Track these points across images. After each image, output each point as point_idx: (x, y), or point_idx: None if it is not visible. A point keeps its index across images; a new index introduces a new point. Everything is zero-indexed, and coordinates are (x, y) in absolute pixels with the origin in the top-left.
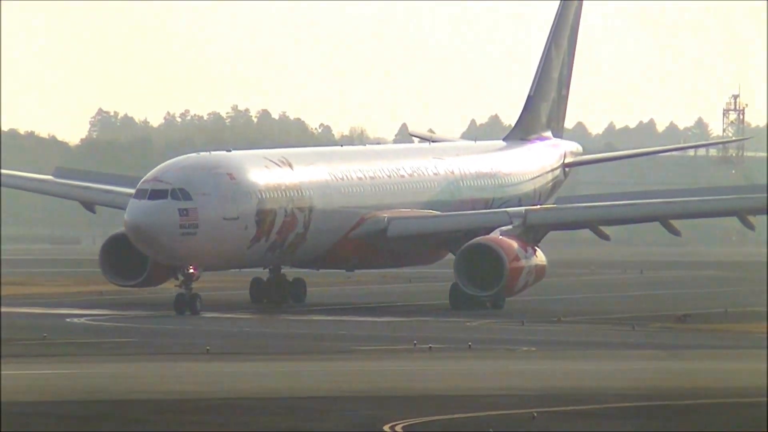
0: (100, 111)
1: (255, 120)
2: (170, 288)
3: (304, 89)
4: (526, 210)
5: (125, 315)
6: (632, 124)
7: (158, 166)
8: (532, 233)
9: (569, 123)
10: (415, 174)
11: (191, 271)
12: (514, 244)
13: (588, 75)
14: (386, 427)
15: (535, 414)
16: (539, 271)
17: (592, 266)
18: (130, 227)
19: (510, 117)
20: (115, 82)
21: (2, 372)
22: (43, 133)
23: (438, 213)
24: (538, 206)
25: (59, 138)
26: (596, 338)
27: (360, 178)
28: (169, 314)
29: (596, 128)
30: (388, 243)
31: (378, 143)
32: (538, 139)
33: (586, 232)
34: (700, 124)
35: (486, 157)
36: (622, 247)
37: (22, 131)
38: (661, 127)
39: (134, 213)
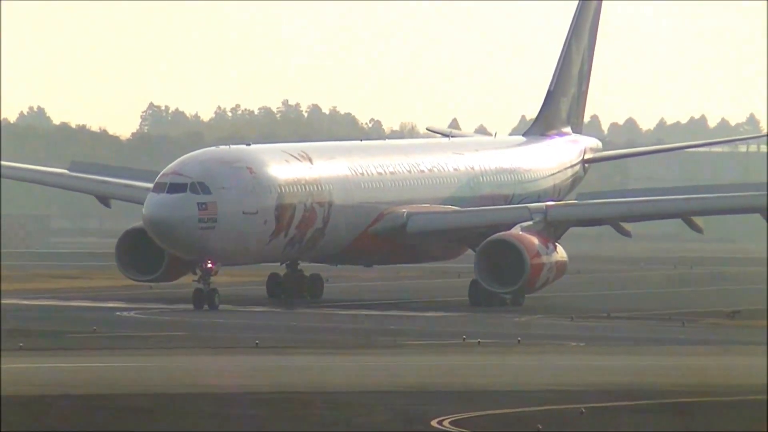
0: (152, 105)
1: (305, 115)
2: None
3: (355, 84)
4: (546, 206)
5: (174, 309)
6: (683, 120)
7: (177, 160)
8: (552, 229)
9: (620, 118)
10: (434, 169)
11: (209, 265)
12: (535, 240)
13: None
14: (434, 422)
15: (584, 410)
16: (560, 268)
17: (641, 262)
18: (148, 221)
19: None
20: (166, 77)
21: (54, 364)
22: (95, 127)
23: (458, 208)
24: (559, 202)
25: (110, 132)
26: (645, 334)
27: (380, 173)
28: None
29: (647, 124)
30: (408, 238)
31: (406, 137)
32: (557, 134)
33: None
34: (752, 120)
35: (506, 152)
36: (669, 242)
37: (73, 125)
38: (712, 123)
39: (152, 207)
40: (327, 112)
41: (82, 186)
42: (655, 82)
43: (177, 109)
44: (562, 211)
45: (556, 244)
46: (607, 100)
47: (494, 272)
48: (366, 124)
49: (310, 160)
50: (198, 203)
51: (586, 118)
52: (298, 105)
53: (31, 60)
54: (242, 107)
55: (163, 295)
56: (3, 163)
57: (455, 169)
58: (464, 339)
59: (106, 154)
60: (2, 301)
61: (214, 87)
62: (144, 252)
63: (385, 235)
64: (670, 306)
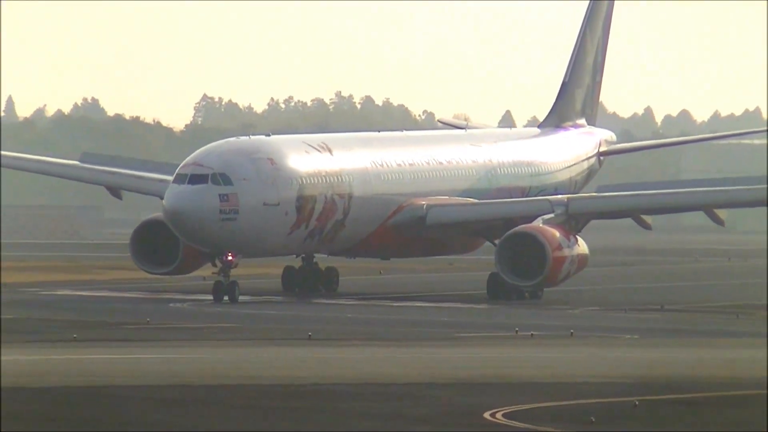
0: (205, 97)
1: (358, 106)
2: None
3: (408, 75)
4: (568, 198)
5: (227, 300)
6: (738, 112)
7: (197, 151)
8: (573, 222)
9: (673, 110)
10: (453, 161)
11: (229, 258)
12: (557, 233)
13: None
14: (487, 414)
15: (637, 402)
16: (581, 261)
17: (695, 254)
18: (169, 212)
19: (614, 105)
20: (220, 68)
21: (107, 355)
22: (148, 118)
23: (477, 201)
24: (580, 194)
25: (164, 123)
26: (699, 326)
27: (399, 165)
28: (280, 301)
29: (702, 115)
30: (427, 231)
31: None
32: (572, 126)
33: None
34: None
35: (523, 144)
36: (723, 234)
37: (127, 116)
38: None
39: (173, 198)
40: (380, 104)
41: (93, 177)
42: (710, 74)
43: (230, 101)
44: (584, 204)
45: (578, 237)
46: (661, 92)
47: (515, 265)
48: (419, 115)
49: (330, 152)
50: (219, 195)
51: (639, 110)
52: (351, 96)
53: (86, 52)
54: (295, 99)
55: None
56: (9, 153)
57: (473, 161)
58: (517, 331)
59: (159, 145)
60: (56, 293)
61: (267, 78)
62: (159, 244)
63: (404, 228)
64: (723, 298)
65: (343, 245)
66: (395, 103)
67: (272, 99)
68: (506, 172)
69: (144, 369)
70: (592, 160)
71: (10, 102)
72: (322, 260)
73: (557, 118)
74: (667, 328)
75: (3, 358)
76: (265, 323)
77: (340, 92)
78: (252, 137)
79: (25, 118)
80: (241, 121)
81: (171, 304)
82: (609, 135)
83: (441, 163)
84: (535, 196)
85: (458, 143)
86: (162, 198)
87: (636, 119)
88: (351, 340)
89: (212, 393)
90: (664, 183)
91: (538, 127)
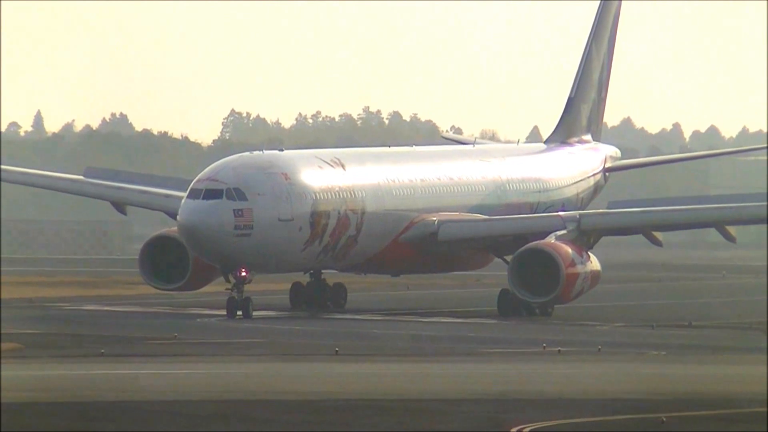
0: (233, 112)
1: (386, 122)
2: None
3: (435, 91)
4: (580, 214)
5: (255, 316)
6: (766, 128)
7: (211, 166)
8: (585, 238)
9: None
10: (463, 177)
11: (243, 274)
12: (570, 249)
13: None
14: (513, 430)
15: (664, 419)
16: (594, 278)
17: (723, 270)
18: (184, 228)
19: (642, 120)
20: (247, 83)
21: (136, 371)
22: (177, 133)
23: (488, 217)
24: (592, 210)
25: (192, 138)
26: (727, 342)
27: (410, 180)
28: (298, 316)
29: (729, 131)
30: (438, 246)
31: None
32: (578, 142)
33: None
34: None
35: (530, 160)
36: (750, 250)
37: (155, 131)
38: None
39: (188, 213)
40: (408, 119)
41: (97, 192)
42: (739, 90)
43: (258, 116)
44: (596, 220)
45: (590, 253)
46: (690, 107)
47: (527, 282)
48: (447, 131)
49: (343, 167)
50: (234, 210)
51: (668, 126)
52: (378, 112)
53: (115, 67)
54: (323, 114)
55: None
56: (12, 168)
57: (483, 177)
58: (544, 347)
59: (187, 160)
60: (84, 308)
61: (295, 93)
62: (168, 260)
63: (415, 243)
64: (752, 314)
65: (355, 261)
66: (423, 119)
67: (300, 114)
68: (515, 188)
69: (171, 384)
70: (598, 176)
71: (38, 117)
72: (330, 276)
73: (563, 133)
74: (696, 345)
75: (31, 373)
76: (292, 338)
77: (368, 107)
78: (265, 152)
79: (54, 133)
80: (269, 136)
81: (198, 320)
82: (614, 151)
83: (451, 178)
84: (543, 212)
85: (468, 158)
86: (167, 213)
87: (664, 135)
88: (378, 355)
89: (240, 408)
90: (676, 199)
91: (545, 142)
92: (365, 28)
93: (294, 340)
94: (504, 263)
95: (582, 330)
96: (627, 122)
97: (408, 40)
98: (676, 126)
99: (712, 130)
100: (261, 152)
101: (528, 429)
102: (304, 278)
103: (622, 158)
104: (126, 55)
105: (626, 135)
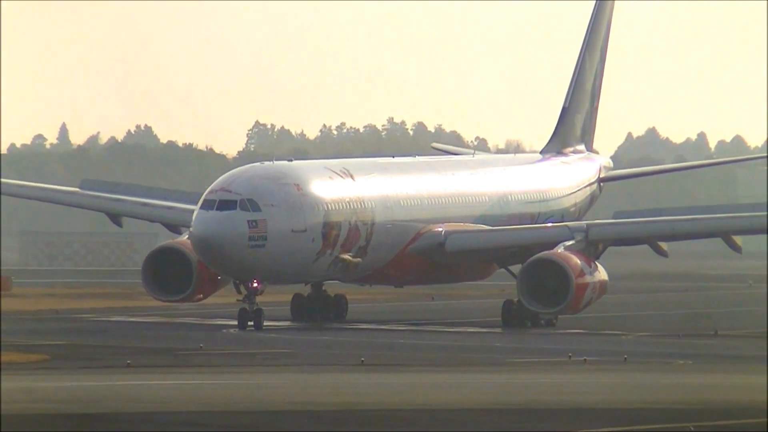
0: (257, 123)
1: (411, 132)
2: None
3: (460, 101)
4: (587, 224)
5: (279, 326)
6: None
7: (223, 176)
8: (593, 248)
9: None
10: (468, 187)
11: (255, 285)
12: (579, 259)
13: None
14: None
15: (692, 428)
16: (602, 287)
17: (749, 279)
18: (198, 239)
19: (667, 130)
20: (272, 95)
21: (163, 382)
22: (201, 145)
23: (494, 227)
24: (600, 221)
25: (217, 150)
26: (753, 352)
27: (417, 191)
28: (320, 327)
29: (754, 141)
30: (446, 258)
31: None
32: (573, 152)
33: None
34: None
35: (529, 170)
36: None
37: (180, 143)
38: None
39: (202, 224)
40: (432, 130)
41: (94, 204)
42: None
43: (282, 127)
44: (604, 230)
45: (597, 263)
46: (715, 117)
47: (536, 292)
48: (471, 142)
49: (352, 177)
50: (248, 221)
51: (693, 135)
52: (403, 123)
53: (140, 79)
54: (347, 125)
55: (271, 313)
56: (10, 180)
57: (486, 188)
58: (570, 357)
59: (212, 172)
60: (110, 319)
61: (319, 105)
62: (171, 272)
63: (422, 254)
64: None
65: (363, 272)
66: (447, 130)
67: (324, 125)
68: (516, 198)
69: (198, 395)
70: (594, 186)
71: (63, 129)
72: (330, 287)
73: (559, 143)
74: (722, 354)
75: (56, 384)
76: (318, 349)
77: (392, 118)
78: (275, 162)
79: (79, 146)
80: (294, 147)
81: (224, 330)
82: (607, 161)
83: (456, 188)
84: (543, 222)
85: (471, 169)
86: (166, 225)
87: (689, 144)
88: (404, 365)
89: (266, 419)
90: (678, 209)
91: (540, 152)
92: (390, 40)
93: (319, 351)
94: (508, 273)
95: (608, 340)
96: (652, 132)
97: (433, 51)
98: (701, 135)
99: (738, 140)
100: (272, 163)
101: None
102: (305, 290)
103: (647, 167)
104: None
105: (651, 145)
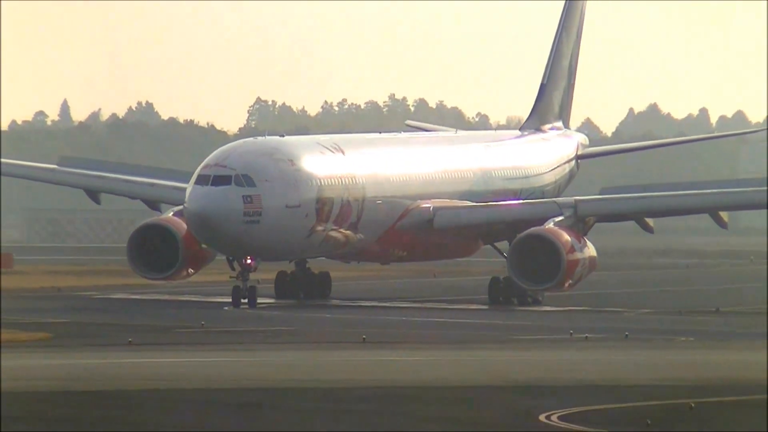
0: (259, 100)
1: (412, 109)
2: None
3: (462, 78)
4: (576, 200)
5: (282, 304)
6: None
7: (217, 151)
8: (581, 224)
9: (729, 111)
10: (454, 163)
11: (248, 262)
12: (569, 236)
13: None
14: (542, 417)
15: (693, 405)
16: (592, 263)
17: (751, 256)
18: (193, 214)
19: (668, 106)
20: (273, 72)
21: (162, 359)
22: (202, 122)
23: (482, 203)
24: (588, 197)
25: (218, 127)
26: (755, 328)
27: (406, 167)
28: (324, 305)
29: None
30: (434, 234)
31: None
32: (551, 129)
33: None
34: None
35: (511, 147)
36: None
37: (181, 120)
38: None
39: (197, 199)
40: (434, 106)
41: (72, 181)
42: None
43: (284, 104)
44: (593, 206)
45: (586, 239)
46: (717, 92)
47: (526, 269)
48: (473, 118)
49: (343, 152)
50: (243, 196)
51: (695, 111)
52: (404, 99)
53: (141, 55)
54: (349, 101)
55: (270, 289)
56: None
57: (470, 164)
58: (572, 334)
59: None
60: (111, 296)
61: (321, 81)
62: (157, 249)
63: (411, 231)
64: None
65: (354, 249)
66: (449, 106)
67: (326, 102)
68: (500, 174)
69: (199, 372)
70: (572, 162)
71: (65, 106)
72: (314, 264)
73: (537, 120)
74: (723, 331)
75: (59, 361)
76: (319, 326)
77: (394, 95)
78: (267, 137)
79: (81, 122)
80: (295, 124)
81: (225, 308)
82: (583, 138)
83: (443, 165)
84: (526, 198)
85: (455, 145)
86: (146, 202)
87: (690, 120)
88: (406, 343)
89: (268, 397)
90: (668, 185)
91: (520, 129)
92: (391, 16)
93: (321, 328)
94: (494, 250)
95: (609, 317)
96: (653, 108)
97: (434, 27)
98: (703, 111)
99: (739, 115)
100: (264, 138)
101: (556, 415)
102: (289, 267)
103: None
104: (152, 44)
105: (653, 121)
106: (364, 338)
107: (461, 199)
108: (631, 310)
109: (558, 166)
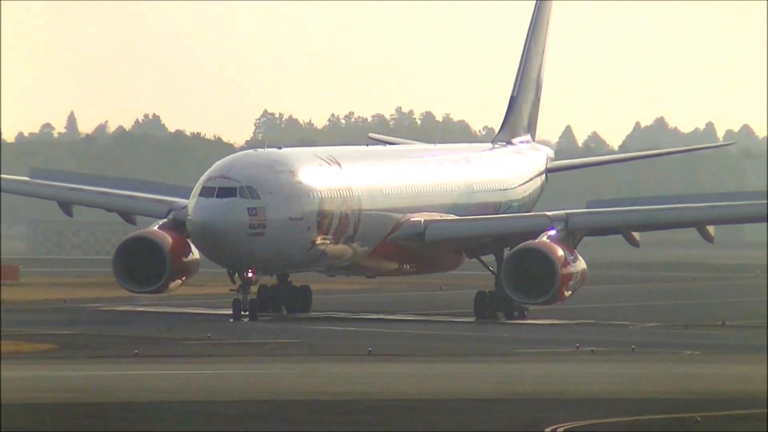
0: (265, 113)
1: (419, 122)
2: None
3: (469, 91)
4: (567, 214)
5: (288, 316)
6: None
7: (219, 163)
8: (571, 238)
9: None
10: (440, 177)
11: (249, 275)
12: (562, 249)
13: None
14: (548, 430)
15: (699, 418)
16: (583, 276)
17: (757, 269)
18: (198, 227)
19: (675, 120)
20: (280, 84)
21: (168, 371)
22: (209, 134)
23: (474, 217)
24: (579, 210)
25: (224, 139)
26: (761, 342)
27: (397, 180)
28: (330, 317)
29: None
30: (425, 248)
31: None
32: (521, 142)
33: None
34: None
35: (488, 160)
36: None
37: (188, 132)
38: None
39: (202, 211)
40: (440, 120)
41: (47, 193)
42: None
43: (291, 117)
44: (583, 219)
45: (576, 252)
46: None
47: (519, 283)
48: (479, 131)
49: (339, 165)
50: (248, 208)
51: (701, 125)
52: (411, 112)
53: (147, 68)
54: (356, 114)
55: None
56: None
57: (455, 177)
58: (577, 347)
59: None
60: (117, 308)
61: (327, 94)
62: (142, 263)
63: (402, 244)
64: None
65: (347, 262)
66: (455, 119)
67: (333, 114)
68: (481, 188)
69: (205, 385)
70: (543, 176)
71: (72, 118)
72: (295, 278)
73: (508, 133)
74: (729, 344)
75: (64, 373)
76: (325, 339)
77: (401, 108)
78: (267, 149)
79: (87, 135)
80: (301, 136)
81: (231, 320)
82: (550, 151)
83: (431, 178)
84: (504, 212)
85: (437, 158)
86: (121, 214)
87: (697, 134)
88: (411, 355)
89: (274, 409)
90: (656, 199)
91: (492, 142)
92: (398, 29)
93: (326, 341)
94: (481, 264)
95: (615, 330)
96: (660, 122)
97: (441, 40)
98: (710, 125)
99: (746, 129)
100: (264, 149)
101: (562, 429)
102: (271, 280)
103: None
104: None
105: (659, 134)
106: (369, 350)
107: (446, 212)
108: (637, 323)
109: (530, 180)
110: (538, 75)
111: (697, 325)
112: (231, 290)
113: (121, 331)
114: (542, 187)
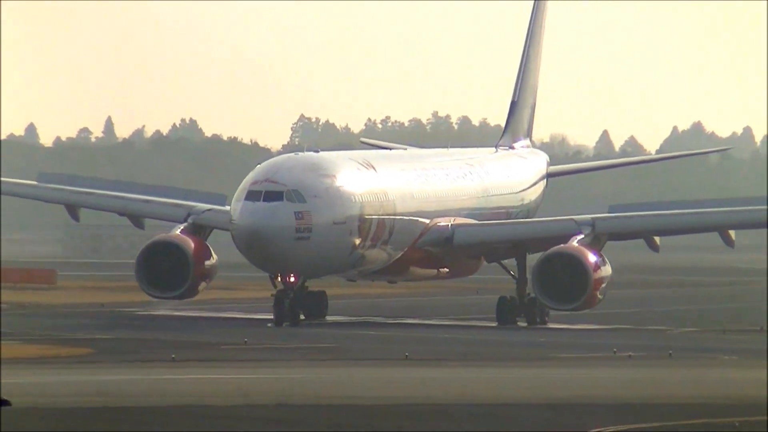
0: (302, 117)
1: (455, 127)
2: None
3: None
4: (593, 218)
5: (324, 321)
6: None
7: (262, 166)
8: (597, 242)
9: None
10: (462, 181)
11: (292, 279)
12: (592, 254)
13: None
14: None
15: (738, 423)
16: (610, 282)
17: None
18: (244, 231)
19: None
20: (317, 89)
21: (205, 375)
22: (246, 139)
23: (502, 221)
24: (605, 214)
25: (261, 144)
26: None
27: (426, 184)
28: (366, 320)
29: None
30: (453, 252)
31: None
32: (522, 147)
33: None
34: None
35: (499, 165)
36: None
37: (225, 137)
38: None
39: (249, 215)
40: (477, 124)
41: (55, 197)
42: None
43: (327, 121)
44: (611, 223)
45: (604, 256)
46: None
47: (548, 288)
48: None
49: (375, 169)
50: (295, 212)
51: (738, 130)
52: (448, 117)
53: (184, 73)
54: (392, 119)
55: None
56: None
57: (473, 181)
58: (615, 352)
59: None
60: (154, 313)
61: (364, 98)
62: (165, 267)
63: (430, 249)
64: None
65: (379, 266)
66: (492, 124)
67: (369, 119)
68: (496, 192)
69: (242, 389)
70: (545, 180)
71: (109, 123)
72: (311, 283)
73: (510, 138)
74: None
75: (101, 377)
76: (362, 343)
77: (437, 112)
78: (306, 153)
79: (124, 139)
80: (338, 141)
81: (269, 325)
82: (546, 156)
83: (455, 182)
84: (515, 217)
85: (455, 162)
86: (130, 217)
87: (735, 138)
88: (448, 360)
89: (310, 413)
90: (677, 203)
91: (495, 146)
92: (436, 34)
93: (363, 345)
94: (502, 269)
95: (652, 335)
96: (697, 126)
97: (478, 44)
98: (747, 129)
99: (747, 131)
100: (304, 153)
101: None
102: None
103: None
104: (196, 62)
105: (697, 139)
106: (407, 355)
107: (468, 216)
108: (675, 328)
109: (535, 184)
110: (535, 80)
111: (735, 330)
112: (271, 294)
113: (157, 335)
114: (544, 192)
